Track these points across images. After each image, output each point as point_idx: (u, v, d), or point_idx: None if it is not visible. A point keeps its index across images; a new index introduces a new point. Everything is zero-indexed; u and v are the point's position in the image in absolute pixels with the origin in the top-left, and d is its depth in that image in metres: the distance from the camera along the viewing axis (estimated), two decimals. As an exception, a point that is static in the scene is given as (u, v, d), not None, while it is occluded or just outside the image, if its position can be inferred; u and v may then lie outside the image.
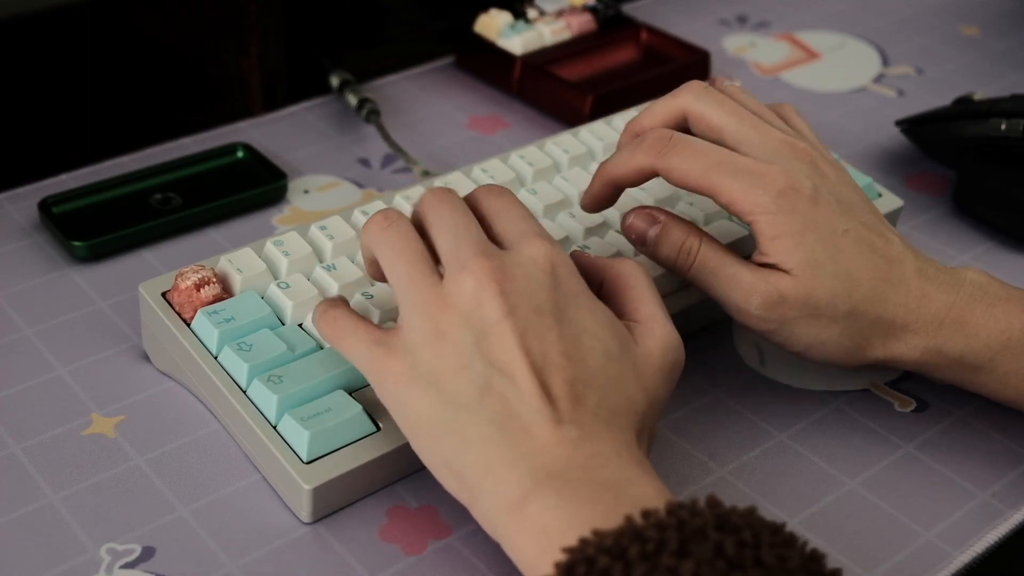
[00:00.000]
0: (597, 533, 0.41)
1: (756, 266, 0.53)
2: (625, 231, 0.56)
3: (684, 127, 0.56)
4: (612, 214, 0.62)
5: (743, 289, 0.53)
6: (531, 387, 0.45)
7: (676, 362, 0.49)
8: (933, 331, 0.53)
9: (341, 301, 0.51)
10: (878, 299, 0.53)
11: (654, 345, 0.49)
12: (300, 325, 0.55)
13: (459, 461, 0.45)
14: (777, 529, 0.41)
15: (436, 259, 0.49)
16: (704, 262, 0.54)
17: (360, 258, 0.58)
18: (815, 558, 0.41)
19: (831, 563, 0.42)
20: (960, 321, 0.53)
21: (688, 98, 0.56)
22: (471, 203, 0.51)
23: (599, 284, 0.52)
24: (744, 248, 0.60)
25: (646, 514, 0.41)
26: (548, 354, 0.46)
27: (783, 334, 0.53)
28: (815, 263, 0.52)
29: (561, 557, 0.41)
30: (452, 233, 0.48)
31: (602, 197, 0.57)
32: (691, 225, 0.55)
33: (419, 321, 0.46)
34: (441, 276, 0.47)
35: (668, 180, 0.54)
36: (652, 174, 0.55)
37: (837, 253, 0.53)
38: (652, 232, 0.55)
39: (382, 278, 0.52)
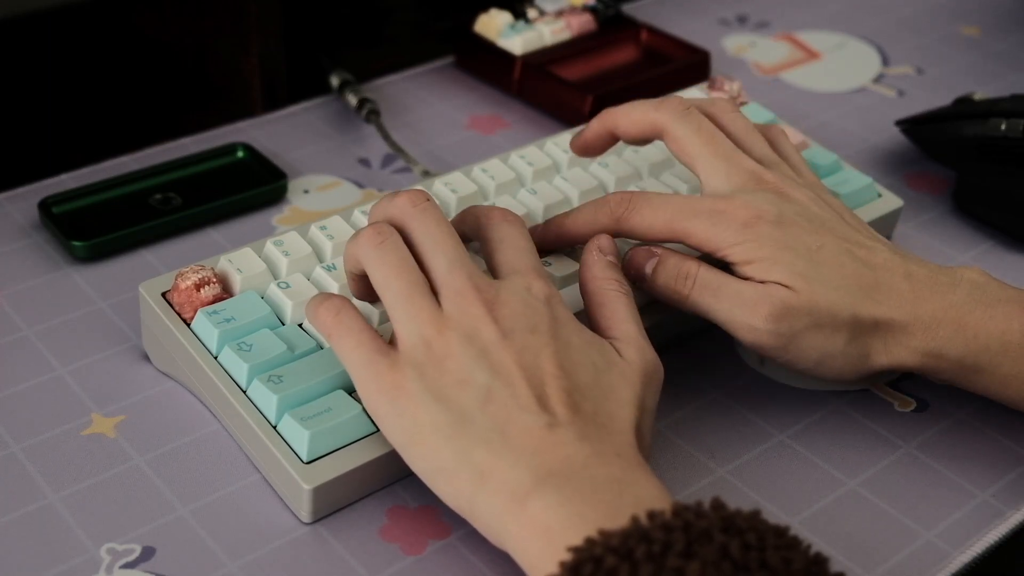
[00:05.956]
0: (603, 533, 0.41)
1: (756, 282, 0.53)
2: (625, 268, 0.57)
3: (658, 139, 0.58)
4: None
5: (748, 304, 0.53)
6: (528, 397, 0.46)
7: (656, 374, 0.50)
8: (932, 333, 0.53)
9: (347, 300, 0.51)
10: (872, 304, 0.53)
11: (635, 356, 0.50)
12: (300, 325, 0.55)
13: (458, 464, 0.46)
14: (782, 532, 0.41)
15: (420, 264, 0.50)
16: (704, 284, 0.54)
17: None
18: (819, 561, 0.41)
19: (832, 564, 0.42)
20: (959, 322, 0.53)
21: (668, 117, 0.57)
22: (482, 223, 0.52)
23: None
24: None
25: (651, 515, 0.41)
26: (544, 368, 0.47)
27: (792, 350, 0.53)
28: (802, 273, 0.52)
29: (565, 556, 0.41)
30: (444, 257, 0.49)
31: (553, 247, 0.58)
32: (688, 255, 0.56)
33: (420, 340, 0.47)
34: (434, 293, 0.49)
35: (633, 237, 0.55)
36: (613, 235, 0.55)
37: (819, 266, 0.53)
38: (649, 265, 0.56)
39: (365, 296, 0.52)
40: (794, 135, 0.70)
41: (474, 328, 0.47)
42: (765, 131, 0.60)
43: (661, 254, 0.56)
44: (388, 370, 0.47)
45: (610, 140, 0.60)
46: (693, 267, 0.54)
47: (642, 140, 0.59)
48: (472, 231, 0.53)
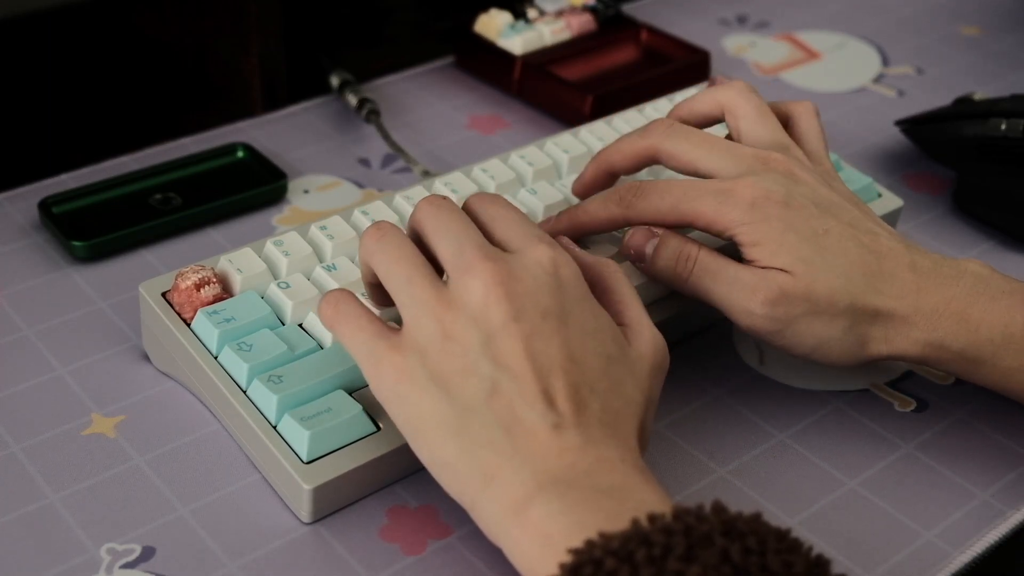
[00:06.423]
0: (603, 536, 0.40)
1: (756, 267, 0.53)
2: (624, 248, 0.57)
3: (655, 163, 0.58)
4: (612, 214, 0.62)
5: (746, 289, 0.53)
6: (535, 392, 0.45)
7: (664, 363, 0.50)
8: (933, 324, 0.53)
9: (349, 291, 0.51)
10: (873, 292, 0.53)
11: (645, 347, 0.49)
12: (300, 325, 0.55)
13: (463, 463, 0.45)
14: (782, 535, 0.41)
15: (437, 269, 0.48)
16: (704, 267, 0.54)
17: (360, 258, 0.58)
18: (820, 564, 0.41)
19: (834, 567, 0.42)
20: (961, 315, 0.53)
21: (657, 138, 0.57)
22: (467, 211, 0.51)
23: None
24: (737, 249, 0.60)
25: (652, 518, 0.41)
26: (553, 358, 0.46)
27: (788, 336, 0.53)
28: (805, 259, 0.52)
29: (565, 560, 0.41)
30: (453, 238, 0.48)
31: (561, 235, 0.57)
32: (688, 237, 0.56)
33: (425, 321, 0.46)
34: (442, 280, 0.47)
35: (643, 223, 0.55)
36: (623, 222, 0.56)
37: (823, 251, 0.53)
38: (650, 246, 0.56)
39: (383, 302, 0.51)
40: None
41: (483, 306, 0.46)
42: (791, 108, 0.60)
43: (663, 235, 0.56)
44: (389, 352, 0.46)
45: (609, 178, 0.60)
46: (694, 250, 0.55)
47: (640, 168, 0.58)
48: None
